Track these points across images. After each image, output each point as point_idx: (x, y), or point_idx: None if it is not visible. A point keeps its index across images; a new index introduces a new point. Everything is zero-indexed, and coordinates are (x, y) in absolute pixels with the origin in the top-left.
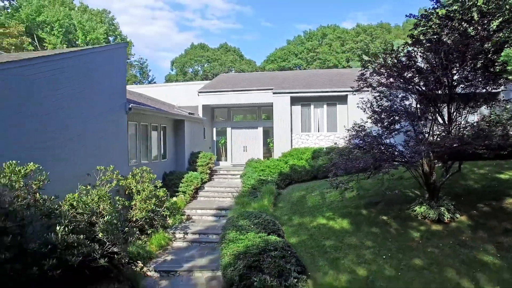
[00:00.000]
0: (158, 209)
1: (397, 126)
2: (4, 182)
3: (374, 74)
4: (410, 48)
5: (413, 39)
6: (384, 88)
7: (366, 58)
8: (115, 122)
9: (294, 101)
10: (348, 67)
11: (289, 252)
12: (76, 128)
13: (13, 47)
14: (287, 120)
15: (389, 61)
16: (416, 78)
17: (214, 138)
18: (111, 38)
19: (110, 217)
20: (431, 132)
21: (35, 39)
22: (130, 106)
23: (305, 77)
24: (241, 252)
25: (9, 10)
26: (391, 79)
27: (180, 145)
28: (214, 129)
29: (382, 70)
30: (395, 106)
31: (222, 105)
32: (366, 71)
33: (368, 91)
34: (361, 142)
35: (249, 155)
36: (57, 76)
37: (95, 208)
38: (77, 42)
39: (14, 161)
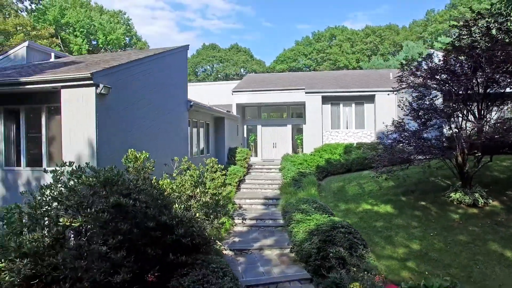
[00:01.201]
0: (221, 196)
1: (432, 122)
2: (136, 166)
3: (410, 76)
4: (439, 53)
5: (453, 46)
6: (422, 88)
7: (403, 61)
8: (180, 118)
9: (324, 100)
10: (359, 67)
11: (352, 229)
12: (157, 125)
13: None
14: (319, 118)
15: (423, 65)
16: (450, 80)
17: (245, 135)
18: (127, 39)
19: (206, 199)
20: (464, 128)
21: (59, 40)
22: (191, 103)
23: (332, 78)
24: (313, 230)
25: (35, 14)
26: (426, 81)
27: (220, 141)
28: (245, 127)
29: (418, 73)
30: (430, 105)
31: (253, 104)
32: (404, 73)
33: (393, 91)
34: (399, 136)
35: (278, 151)
36: (147, 77)
37: (190, 192)
38: (97, 43)
39: (133, 149)
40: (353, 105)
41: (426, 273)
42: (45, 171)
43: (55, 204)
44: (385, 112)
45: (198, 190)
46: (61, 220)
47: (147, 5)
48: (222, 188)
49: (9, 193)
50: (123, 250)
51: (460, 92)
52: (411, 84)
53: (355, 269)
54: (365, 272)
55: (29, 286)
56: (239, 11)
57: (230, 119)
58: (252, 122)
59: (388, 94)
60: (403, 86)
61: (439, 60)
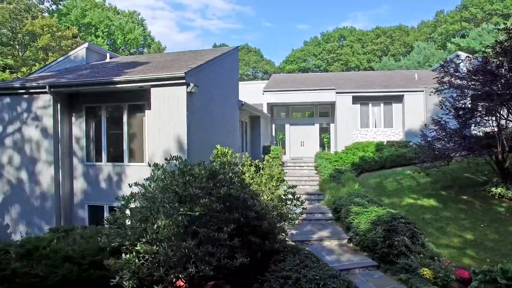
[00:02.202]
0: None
1: (472, 121)
2: (227, 160)
3: (451, 77)
4: (463, 54)
5: (501, 49)
6: (463, 89)
7: (441, 62)
8: (234, 116)
9: (354, 100)
10: (370, 68)
11: (410, 220)
12: (220, 123)
13: (69, 49)
14: (349, 117)
15: (462, 66)
16: (489, 80)
17: (273, 134)
18: (141, 38)
19: (278, 192)
20: (504, 126)
21: (82, 40)
22: (243, 103)
23: (358, 78)
24: (375, 220)
25: (55, 14)
26: (468, 82)
27: (256, 138)
28: (273, 125)
29: (457, 74)
30: (474, 104)
31: (283, 103)
32: (441, 74)
33: (436, 91)
34: (439, 134)
35: (306, 149)
36: (214, 77)
37: (263, 186)
38: (113, 43)
39: (220, 145)
40: (382, 104)
41: (488, 260)
42: (149, 165)
43: (166, 195)
44: (413, 111)
45: (272, 183)
46: (181, 209)
47: (147, 5)
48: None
49: (90, 187)
50: (236, 237)
51: (499, 92)
52: (452, 84)
53: (421, 255)
54: (433, 259)
55: (152, 274)
56: (239, 11)
57: (264, 118)
58: (280, 121)
59: (430, 94)
60: (444, 86)
61: (470, 62)
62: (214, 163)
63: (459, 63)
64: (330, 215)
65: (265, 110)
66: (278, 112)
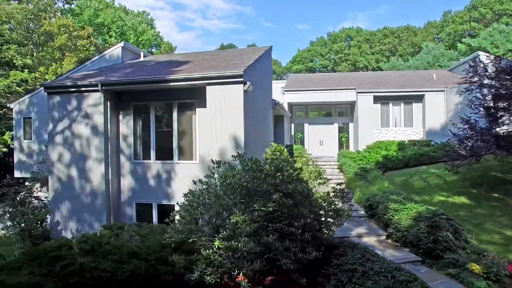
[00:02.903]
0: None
1: (502, 120)
2: (283, 157)
3: (477, 77)
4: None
5: None
6: (495, 88)
7: (471, 63)
8: (269, 115)
9: (375, 99)
10: (378, 68)
11: (450, 216)
12: (260, 120)
13: (85, 49)
14: (370, 117)
15: (490, 66)
16: None
17: (292, 133)
18: (153, 39)
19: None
20: None
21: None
22: (276, 102)
23: (376, 78)
24: (416, 217)
25: (68, 15)
26: (494, 81)
27: (279, 137)
28: (292, 125)
29: (487, 74)
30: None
31: (302, 103)
32: (472, 75)
33: (466, 91)
34: (467, 133)
35: (325, 148)
36: (256, 74)
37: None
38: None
39: (277, 143)
40: (402, 104)
41: None
42: (213, 162)
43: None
44: (434, 111)
45: (320, 180)
46: (255, 205)
47: (147, 5)
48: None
49: (137, 184)
50: (307, 231)
51: None
52: (482, 84)
53: (467, 251)
54: (479, 254)
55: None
56: (239, 11)
57: (286, 117)
58: (299, 121)
59: (460, 95)
60: (474, 86)
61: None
62: (276, 160)
63: (488, 63)
64: (362, 212)
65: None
66: (295, 111)
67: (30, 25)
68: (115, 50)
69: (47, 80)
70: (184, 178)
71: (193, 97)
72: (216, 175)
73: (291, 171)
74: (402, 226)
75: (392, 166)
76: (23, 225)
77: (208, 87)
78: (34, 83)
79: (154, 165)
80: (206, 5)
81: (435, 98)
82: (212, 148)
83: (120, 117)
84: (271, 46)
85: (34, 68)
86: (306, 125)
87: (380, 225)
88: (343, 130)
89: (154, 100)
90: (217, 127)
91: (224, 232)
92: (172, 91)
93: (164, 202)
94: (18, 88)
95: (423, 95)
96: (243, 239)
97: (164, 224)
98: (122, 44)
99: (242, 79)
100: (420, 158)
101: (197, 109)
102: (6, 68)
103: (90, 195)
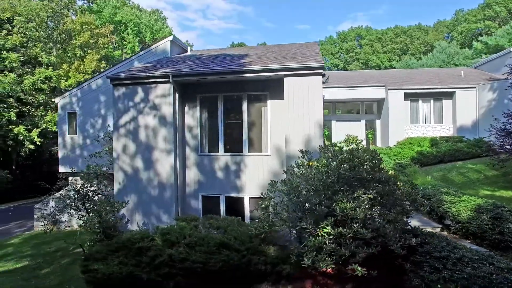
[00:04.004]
0: None
1: None
2: (363, 147)
3: None
4: None
5: None
6: None
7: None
8: None
9: (405, 96)
10: (390, 66)
11: (508, 208)
12: None
13: (105, 46)
14: (400, 113)
15: None
16: None
17: None
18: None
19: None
20: None
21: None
22: (323, 95)
23: (404, 75)
24: (476, 209)
25: (87, 13)
26: None
27: None
28: None
29: None
30: None
31: (330, 100)
32: None
33: (474, 87)
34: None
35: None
36: None
37: None
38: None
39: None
40: (432, 101)
41: None
42: (302, 151)
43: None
44: (465, 107)
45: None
46: (355, 194)
47: (148, 5)
48: None
49: (204, 177)
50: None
51: None
52: None
53: None
54: None
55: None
56: (240, 11)
57: None
58: (326, 117)
59: (506, 89)
60: None
61: None
62: (367, 150)
63: None
64: (409, 206)
65: None
66: (324, 108)
67: (49, 23)
68: (162, 44)
69: (70, 77)
70: (254, 170)
71: (263, 89)
72: (302, 166)
73: (375, 161)
74: (462, 218)
75: (427, 161)
76: (98, 218)
77: (286, 79)
78: (57, 80)
79: (222, 157)
80: (207, 5)
81: (467, 95)
82: (294, 138)
83: (186, 108)
84: (319, 40)
85: (58, 64)
86: (333, 122)
87: (432, 217)
88: (367, 128)
89: (222, 92)
90: (299, 117)
91: (331, 219)
92: (240, 84)
93: (233, 194)
94: (43, 85)
95: (454, 92)
96: (355, 225)
97: (233, 216)
98: (171, 38)
99: (321, 71)
100: (455, 154)
101: (268, 101)
102: (30, 66)
103: (158, 187)
